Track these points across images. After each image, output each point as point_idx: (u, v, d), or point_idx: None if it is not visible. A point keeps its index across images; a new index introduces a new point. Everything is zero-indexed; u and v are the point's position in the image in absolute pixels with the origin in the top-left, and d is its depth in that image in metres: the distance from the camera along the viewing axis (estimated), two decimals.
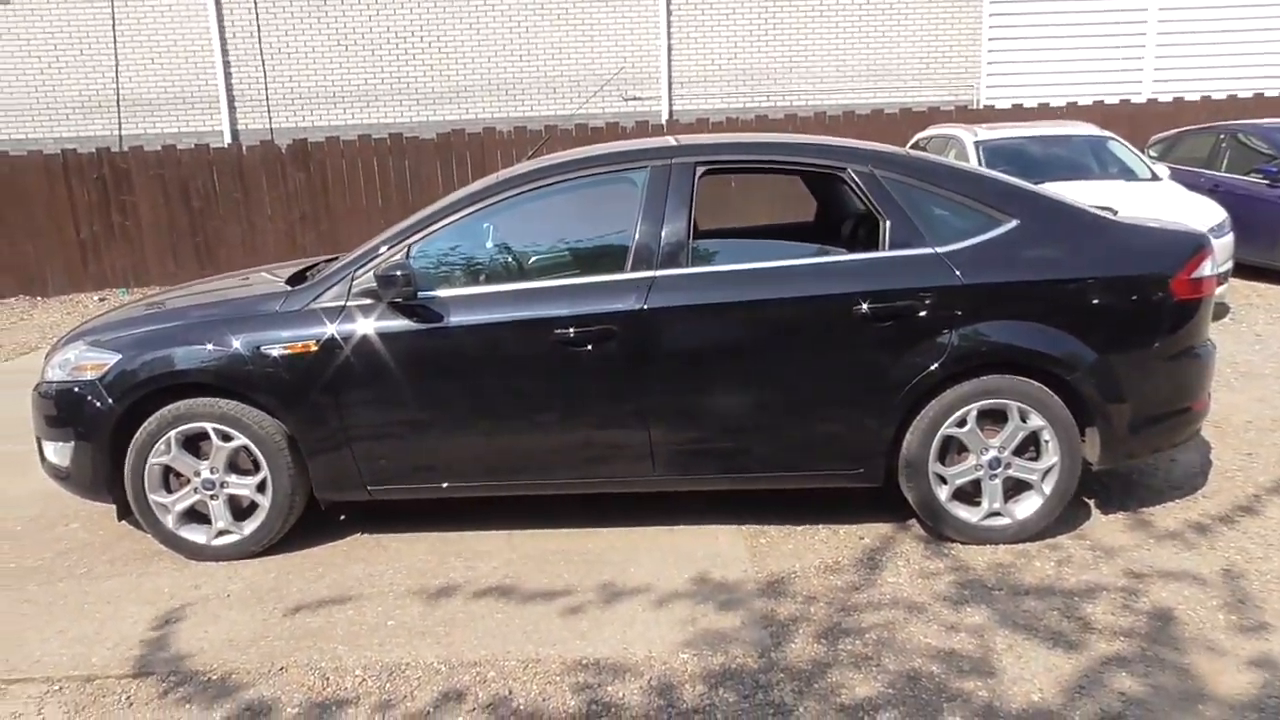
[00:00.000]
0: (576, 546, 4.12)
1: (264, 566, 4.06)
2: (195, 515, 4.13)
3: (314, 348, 3.91)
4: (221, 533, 4.10)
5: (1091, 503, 4.37)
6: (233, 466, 4.07)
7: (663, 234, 3.93)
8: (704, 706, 2.98)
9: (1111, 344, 3.88)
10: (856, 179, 4.00)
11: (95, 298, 11.26)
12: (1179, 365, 3.99)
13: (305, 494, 4.11)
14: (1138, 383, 3.92)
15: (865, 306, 3.83)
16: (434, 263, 4.05)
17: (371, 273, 3.93)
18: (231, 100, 12.97)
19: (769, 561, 3.94)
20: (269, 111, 13.04)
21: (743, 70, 13.86)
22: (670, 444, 3.97)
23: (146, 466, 4.02)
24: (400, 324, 3.89)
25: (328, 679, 3.21)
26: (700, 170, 4.03)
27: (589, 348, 3.86)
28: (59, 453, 4.17)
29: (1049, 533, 4.04)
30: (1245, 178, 9.21)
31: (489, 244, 4.18)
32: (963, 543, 4.01)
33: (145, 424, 4.00)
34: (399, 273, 3.77)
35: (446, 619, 3.58)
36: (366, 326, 3.90)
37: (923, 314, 3.83)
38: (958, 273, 3.85)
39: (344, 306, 3.95)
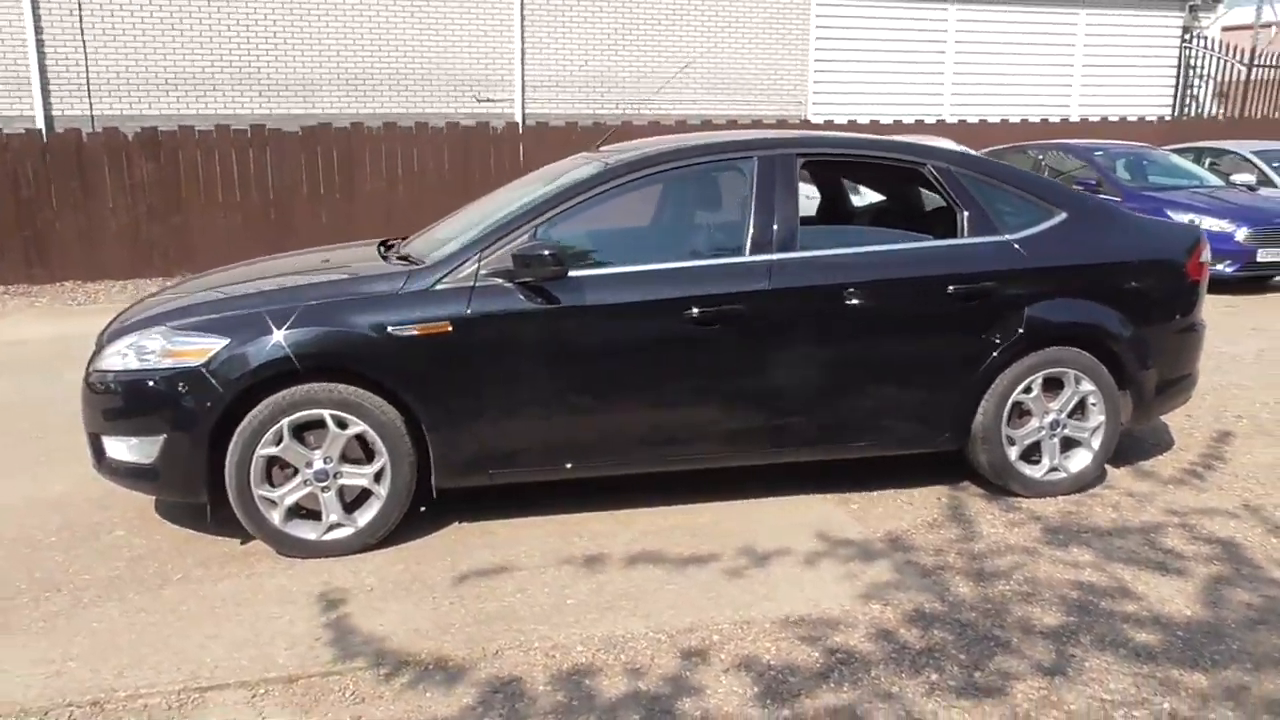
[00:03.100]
0: (687, 521, 4.25)
1: (384, 559, 3.92)
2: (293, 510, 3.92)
3: (448, 329, 3.84)
4: (334, 526, 3.92)
5: None
6: (343, 456, 3.90)
7: (775, 220, 4.16)
8: (933, 646, 3.25)
9: (1143, 318, 4.48)
10: (936, 174, 4.40)
11: None
12: (1187, 337, 4.67)
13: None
14: (1160, 352, 4.55)
15: (957, 288, 4.23)
16: (560, 244, 4.06)
17: (506, 253, 3.90)
18: (45, 83, 11.74)
19: (876, 523, 4.24)
20: (89, 96, 11.90)
21: (594, 77, 14.11)
22: (785, 419, 4.20)
23: (254, 458, 3.78)
24: (536, 304, 3.89)
25: (552, 655, 3.21)
26: (800, 161, 4.29)
27: (716, 327, 4.02)
28: (139, 449, 3.84)
29: (1091, 484, 4.61)
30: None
31: (612, 226, 4.25)
32: (1026, 497, 4.49)
33: (253, 412, 3.76)
34: (547, 252, 3.77)
35: (621, 593, 3.63)
36: (502, 306, 3.88)
37: (1002, 294, 4.27)
38: (1028, 258, 4.33)
39: (473, 287, 3.90)
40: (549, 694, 2.98)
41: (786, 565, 3.84)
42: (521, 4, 13.60)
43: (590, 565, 3.85)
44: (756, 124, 13.21)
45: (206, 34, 12.40)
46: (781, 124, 13.93)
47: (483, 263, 3.92)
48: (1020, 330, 4.28)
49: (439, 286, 3.89)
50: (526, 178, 5.12)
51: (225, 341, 3.75)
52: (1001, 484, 4.47)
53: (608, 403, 4.02)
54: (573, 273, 3.93)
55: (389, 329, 3.80)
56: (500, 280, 3.90)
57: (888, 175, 4.90)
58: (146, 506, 4.45)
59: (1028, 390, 4.38)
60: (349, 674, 3.11)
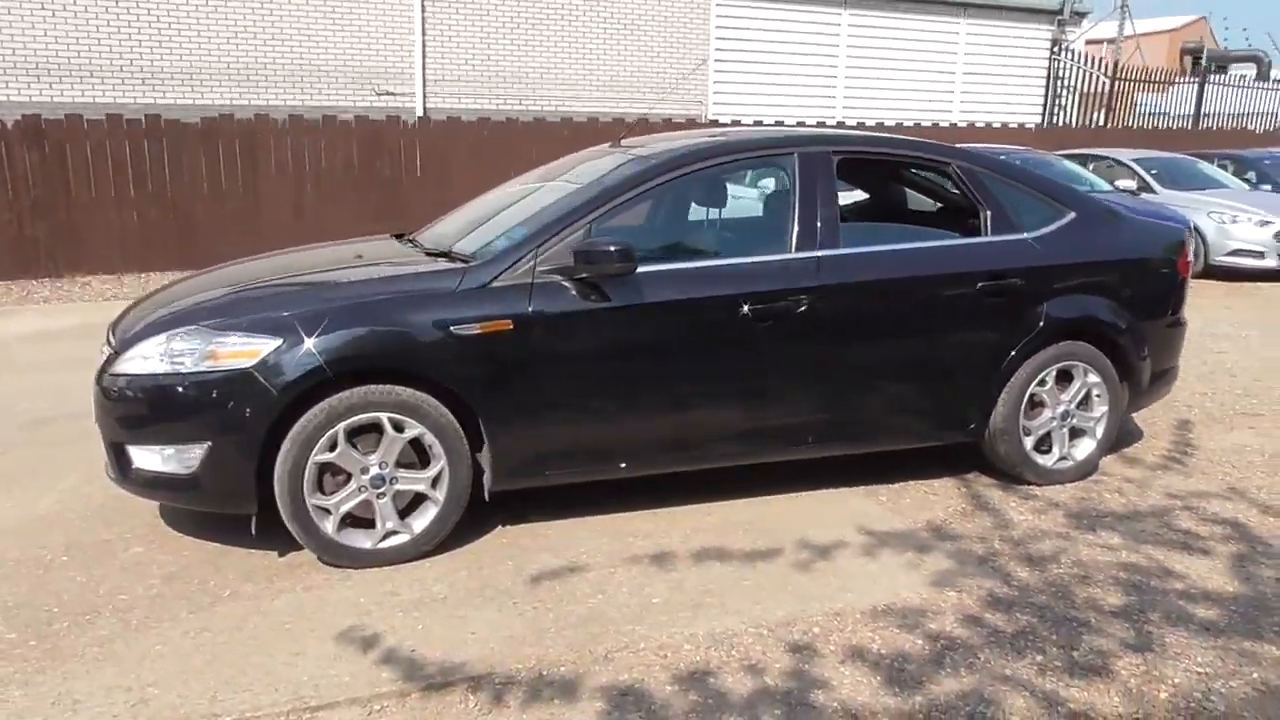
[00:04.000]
0: (732, 518, 4.27)
1: (443, 567, 3.78)
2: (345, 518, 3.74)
3: (510, 326, 3.74)
4: (389, 534, 3.76)
5: None
6: (398, 460, 3.75)
7: (819, 217, 4.21)
8: (1023, 629, 3.36)
9: (1142, 313, 4.75)
10: (960, 173, 4.55)
11: None
12: (1175, 331, 4.97)
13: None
14: (1154, 344, 4.83)
15: (986, 284, 4.39)
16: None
17: (564, 249, 3.82)
18: None
19: (911, 514, 4.35)
20: None
21: (496, 73, 13.91)
22: (833, 414, 4.26)
23: (307, 465, 3.59)
24: (597, 301, 3.83)
25: (664, 656, 3.17)
26: (836, 159, 4.36)
27: (769, 323, 4.05)
28: (176, 459, 3.59)
29: (1092, 471, 4.85)
30: None
31: (660, 222, 4.21)
32: (1038, 485, 4.69)
33: (307, 416, 3.57)
34: (614, 248, 3.72)
35: (702, 590, 3.61)
36: (563, 303, 3.80)
37: (1025, 290, 4.45)
38: (1046, 255, 4.52)
39: (532, 284, 3.80)
40: (679, 695, 2.95)
41: (848, 557, 3.90)
42: None
43: (658, 564, 3.81)
44: (643, 122, 13.30)
45: (82, 17, 11.61)
46: (671, 122, 14.06)
47: (539, 259, 3.83)
48: (1040, 325, 4.47)
49: (496, 284, 3.78)
50: (536, 173, 5.02)
51: (278, 342, 3.54)
52: (1017, 473, 4.65)
53: (665, 400, 3.99)
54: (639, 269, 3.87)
55: (451, 327, 3.67)
56: (558, 277, 3.82)
57: (913, 174, 5.03)
58: (153, 520, 4.17)
59: (1042, 383, 4.58)
60: (461, 686, 2.99)
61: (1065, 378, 4.64)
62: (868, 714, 2.86)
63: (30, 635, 3.24)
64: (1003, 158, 4.90)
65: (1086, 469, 4.76)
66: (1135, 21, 24.20)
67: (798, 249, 4.16)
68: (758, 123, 14.02)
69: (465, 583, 3.65)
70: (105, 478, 4.39)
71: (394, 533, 3.75)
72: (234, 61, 12.47)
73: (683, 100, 15.09)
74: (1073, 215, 4.67)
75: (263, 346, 3.53)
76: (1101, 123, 18.60)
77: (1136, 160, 12.34)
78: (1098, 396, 4.70)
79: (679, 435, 4.07)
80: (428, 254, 4.18)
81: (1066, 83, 18.07)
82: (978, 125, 16.20)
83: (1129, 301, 4.69)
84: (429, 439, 3.71)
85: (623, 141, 4.79)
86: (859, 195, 5.36)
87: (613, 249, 3.71)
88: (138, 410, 3.63)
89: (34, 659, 3.10)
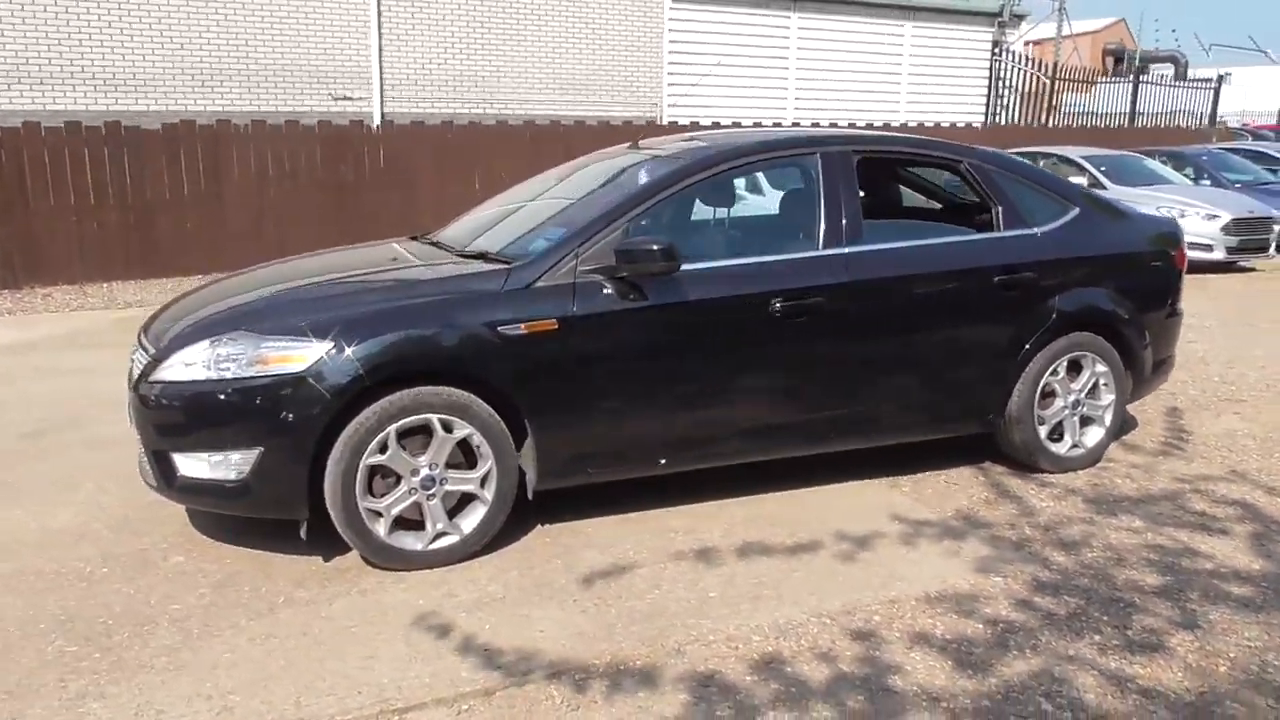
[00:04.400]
0: (766, 511, 4.33)
1: (493, 567, 3.79)
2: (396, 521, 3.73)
3: (555, 326, 3.76)
4: (439, 535, 3.75)
5: None
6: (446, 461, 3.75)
7: (844, 214, 4.30)
8: (1075, 611, 3.47)
9: (1144, 304, 4.92)
10: (972, 170, 4.68)
11: None
12: (1172, 321, 5.16)
13: None
14: (1154, 334, 5.01)
15: (1003, 278, 4.52)
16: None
17: (604, 248, 3.85)
18: None
19: (937, 503, 4.46)
20: None
21: (454, 76, 13.84)
22: (861, 407, 4.35)
23: (359, 468, 3.57)
24: (640, 300, 3.86)
25: (735, 647, 3.22)
26: (856, 158, 4.45)
27: (802, 319, 4.13)
28: (225, 466, 3.55)
29: (1100, 458, 5.01)
30: None
31: (691, 221, 4.26)
32: (1052, 472, 4.83)
33: (359, 419, 3.55)
34: (656, 247, 3.75)
35: (756, 582, 3.67)
36: (606, 302, 3.83)
37: (1038, 284, 4.59)
38: (1055, 249, 4.67)
39: (574, 284, 3.83)
40: (760, 683, 3.00)
41: (887, 547, 3.99)
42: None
43: (705, 559, 3.86)
44: (604, 124, 13.34)
45: (31, 22, 11.30)
46: (629, 125, 14.11)
47: (580, 259, 3.85)
48: (1053, 317, 4.61)
49: (540, 284, 3.79)
50: (553, 173, 5.04)
51: (329, 345, 3.51)
52: (1032, 461, 4.78)
53: (703, 397, 4.04)
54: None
55: (499, 328, 3.67)
56: (600, 276, 3.84)
57: (927, 172, 5.14)
58: (184, 528, 4.10)
59: (1054, 373, 4.72)
60: (542, 682, 3.01)
61: (1075, 368, 4.79)
62: (947, 696, 2.94)
63: (92, 648, 3.18)
64: (1007, 155, 5.03)
65: (1096, 456, 4.91)
66: (1031, 25, 24.94)
67: (825, 246, 4.24)
68: (715, 124, 14.15)
69: (519, 582, 3.66)
70: (122, 487, 4.35)
71: (444, 534, 3.75)
72: (188, 66, 12.24)
73: (638, 103, 15.16)
74: (1077, 210, 4.83)
75: (314, 350, 3.50)
76: (1044, 121, 19.10)
77: (1085, 157, 12.71)
78: (1105, 385, 4.86)
79: (716, 431, 4.13)
80: (462, 255, 4.17)
81: (1008, 82, 18.52)
82: (926, 125, 16.53)
83: (1132, 293, 4.85)
84: (477, 439, 3.71)
85: (640, 142, 4.83)
86: (877, 193, 5.45)
87: (655, 248, 3.74)
88: (183, 417, 3.58)
89: (103, 671, 3.04)
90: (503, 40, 14.06)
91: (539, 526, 4.14)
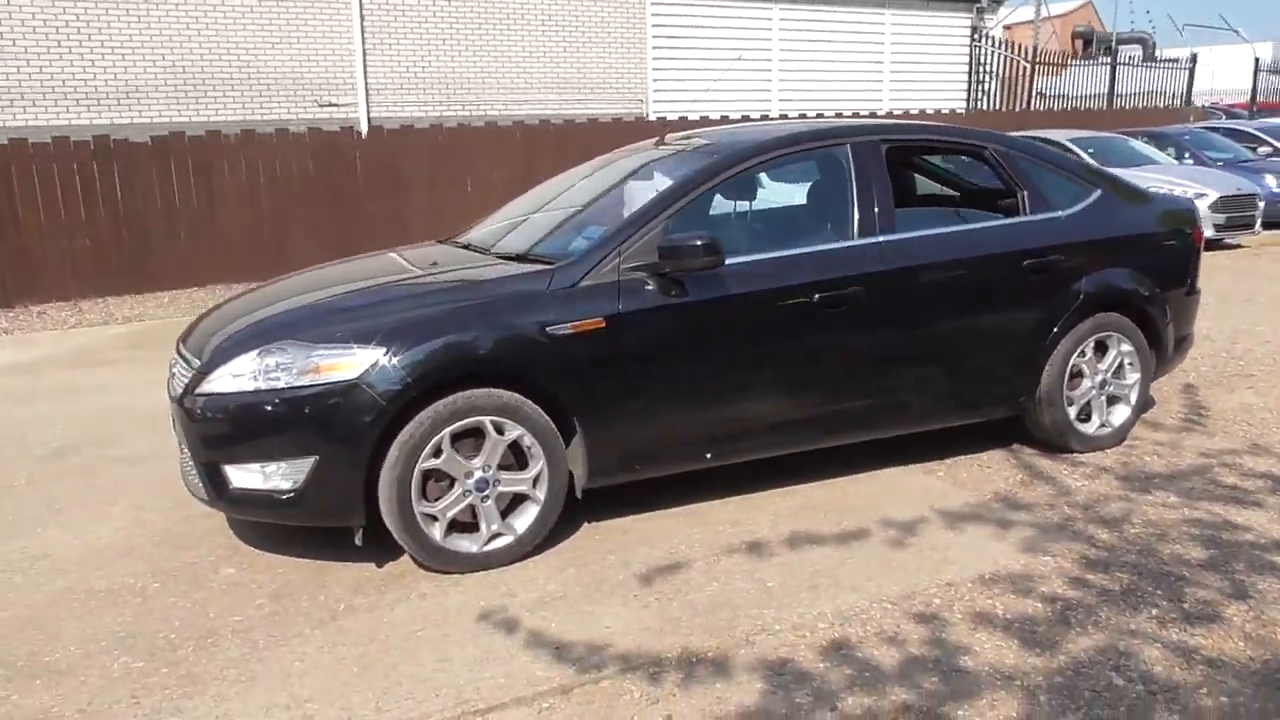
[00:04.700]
0: (809, 501, 4.36)
1: (547, 566, 3.80)
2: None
3: (602, 325, 3.77)
4: (494, 537, 3.76)
5: None
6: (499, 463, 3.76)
7: (876, 204, 4.34)
8: (1129, 587, 3.52)
9: (1166, 283, 4.99)
10: (996, 156, 4.72)
11: None
12: (1192, 299, 5.23)
13: None
14: (1175, 312, 5.08)
15: (1032, 261, 4.56)
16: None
17: (646, 245, 3.87)
18: None
19: (974, 486, 4.51)
20: None
21: (437, 78, 13.79)
22: (896, 395, 4.40)
23: (414, 472, 3.58)
24: (684, 296, 3.88)
25: (803, 635, 3.24)
26: (884, 147, 4.49)
27: (841, 309, 4.16)
28: (280, 475, 3.55)
29: (1126, 436, 5.07)
30: None
31: (730, 214, 4.28)
32: (1081, 452, 4.89)
33: (413, 423, 3.55)
34: (700, 242, 3.77)
35: (813, 571, 3.70)
36: (651, 299, 3.85)
37: (1064, 266, 4.64)
38: (1080, 232, 4.72)
39: (618, 281, 3.84)
40: (834, 668, 3.03)
41: (934, 531, 4.03)
42: (360, 4, 13.10)
43: (757, 551, 3.88)
44: (593, 122, 13.35)
45: (9, 38, 11.17)
46: (620, 121, 14.12)
47: (623, 256, 3.87)
48: (1080, 299, 4.66)
49: (585, 283, 3.81)
50: (578, 171, 5.05)
51: (381, 351, 3.51)
52: (1062, 442, 4.84)
53: (747, 390, 4.07)
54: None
55: (548, 328, 3.69)
56: (643, 274, 3.86)
57: (952, 159, 5.18)
58: (230, 540, 4.10)
59: (1082, 354, 4.78)
60: (617, 677, 3.02)
61: (1101, 348, 4.85)
62: (1019, 674, 2.98)
63: (158, 663, 3.17)
64: (1027, 140, 5.08)
65: (1123, 434, 4.98)
66: (1030, 7, 25.22)
67: (861, 236, 4.27)
68: (704, 119, 14.18)
69: (577, 579, 3.68)
70: (158, 502, 4.35)
71: (498, 535, 3.76)
72: (171, 78, 12.13)
73: (624, 100, 15.17)
74: (1099, 193, 4.88)
75: (367, 357, 3.50)
76: (1025, 105, 19.25)
77: (1073, 140, 12.81)
78: (1130, 365, 4.92)
79: (759, 424, 4.16)
80: (501, 257, 4.18)
81: (988, 68, 18.65)
82: (910, 112, 16.62)
83: (1154, 273, 4.92)
84: (528, 440, 3.72)
85: (667, 138, 4.85)
86: (902, 181, 5.49)
87: (700, 243, 3.76)
88: (233, 429, 3.57)
89: (174, 685, 3.04)
90: (485, 41, 14.03)
91: (585, 525, 4.15)
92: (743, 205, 4.53)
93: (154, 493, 4.64)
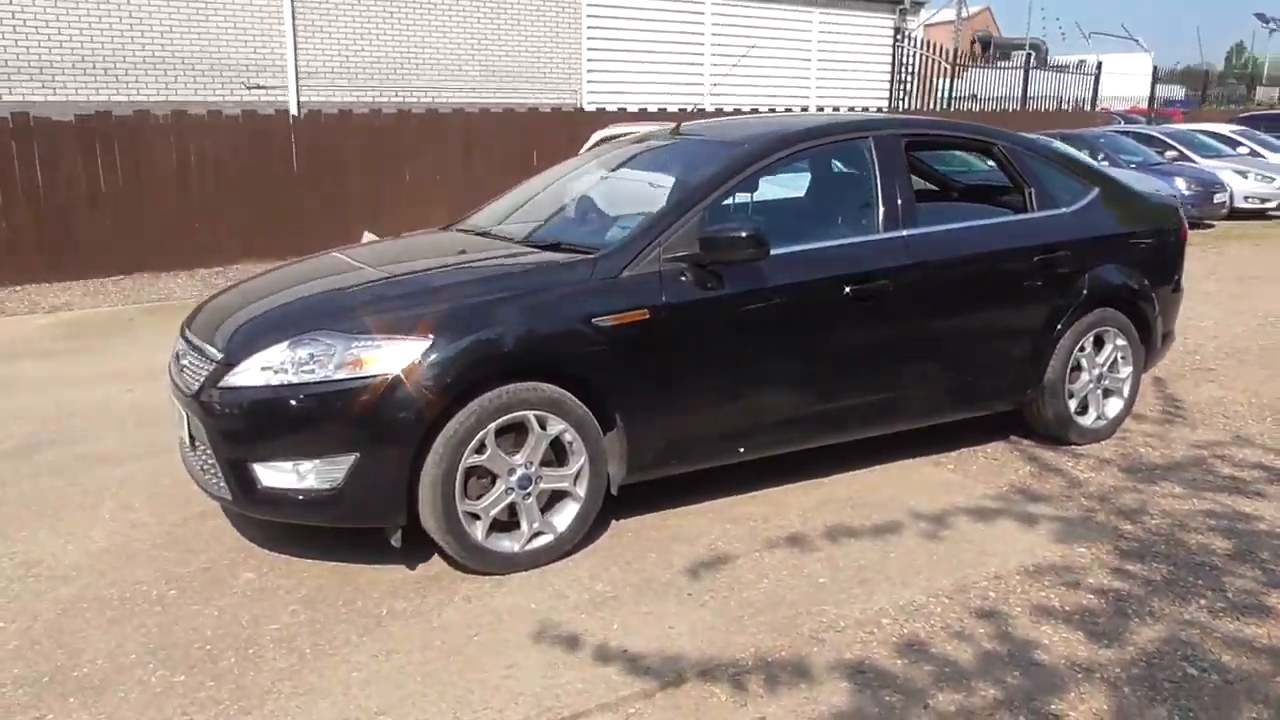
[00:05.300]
0: (833, 495, 4.34)
1: (590, 565, 3.69)
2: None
3: (646, 316, 3.68)
4: (535, 535, 3.64)
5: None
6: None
7: (900, 197, 4.34)
8: (1170, 578, 3.58)
9: (1155, 279, 5.12)
10: (1005, 152, 4.78)
11: None
12: (1177, 295, 5.38)
13: None
14: (1164, 308, 5.23)
15: (1042, 256, 4.63)
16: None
17: (685, 236, 3.78)
18: None
19: (988, 479, 4.55)
20: None
21: (369, 63, 13.39)
22: (919, 388, 4.41)
23: (459, 469, 3.43)
24: (717, 287, 3.81)
25: (870, 631, 3.21)
26: (903, 142, 4.49)
27: (869, 302, 4.15)
28: (316, 474, 3.36)
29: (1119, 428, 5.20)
30: None
31: (754, 207, 4.22)
32: (1080, 444, 4.99)
33: (458, 418, 3.40)
34: (745, 234, 3.71)
35: (859, 566, 3.67)
36: (690, 291, 3.77)
37: (1070, 262, 4.72)
38: (1083, 228, 4.82)
39: (660, 273, 3.76)
40: (913, 666, 3.00)
41: (965, 524, 4.05)
42: None
43: (797, 545, 3.84)
44: (533, 111, 13.17)
45: None
46: (563, 110, 13.96)
47: (663, 247, 3.78)
48: (1083, 294, 4.75)
49: (626, 273, 3.70)
50: (587, 157, 4.93)
51: (426, 343, 3.35)
52: (1062, 434, 4.93)
53: (780, 382, 4.03)
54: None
55: (593, 320, 3.57)
56: (682, 265, 3.78)
57: (964, 154, 5.21)
58: (239, 543, 3.88)
59: (1082, 349, 4.87)
60: (697, 681, 2.95)
61: (1098, 343, 4.95)
62: (1096, 667, 3.00)
63: (202, 675, 2.97)
64: (1032, 138, 5.16)
65: (1116, 427, 5.10)
66: (950, 9, 25.98)
67: (885, 229, 4.27)
68: (643, 109, 14.10)
69: (624, 579, 3.58)
70: (147, 503, 4.14)
71: (539, 533, 3.63)
72: (88, 54, 11.48)
73: (558, 90, 14.99)
74: (1098, 190, 4.98)
75: (412, 349, 3.34)
76: (945, 105, 19.70)
77: None
78: (1123, 359, 5.04)
79: (789, 417, 4.12)
80: (534, 246, 4.04)
81: (910, 68, 19.03)
82: (837, 109, 16.83)
83: (1146, 269, 5.04)
84: (569, 435, 3.60)
85: (682, 128, 4.77)
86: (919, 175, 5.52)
87: (744, 234, 3.69)
88: (264, 425, 3.36)
89: (227, 700, 2.84)
90: (420, 27, 13.68)
91: (614, 522, 4.05)
92: (771, 197, 4.48)
93: (140, 493, 4.37)
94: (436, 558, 3.70)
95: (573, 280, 3.64)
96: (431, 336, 3.35)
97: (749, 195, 4.35)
